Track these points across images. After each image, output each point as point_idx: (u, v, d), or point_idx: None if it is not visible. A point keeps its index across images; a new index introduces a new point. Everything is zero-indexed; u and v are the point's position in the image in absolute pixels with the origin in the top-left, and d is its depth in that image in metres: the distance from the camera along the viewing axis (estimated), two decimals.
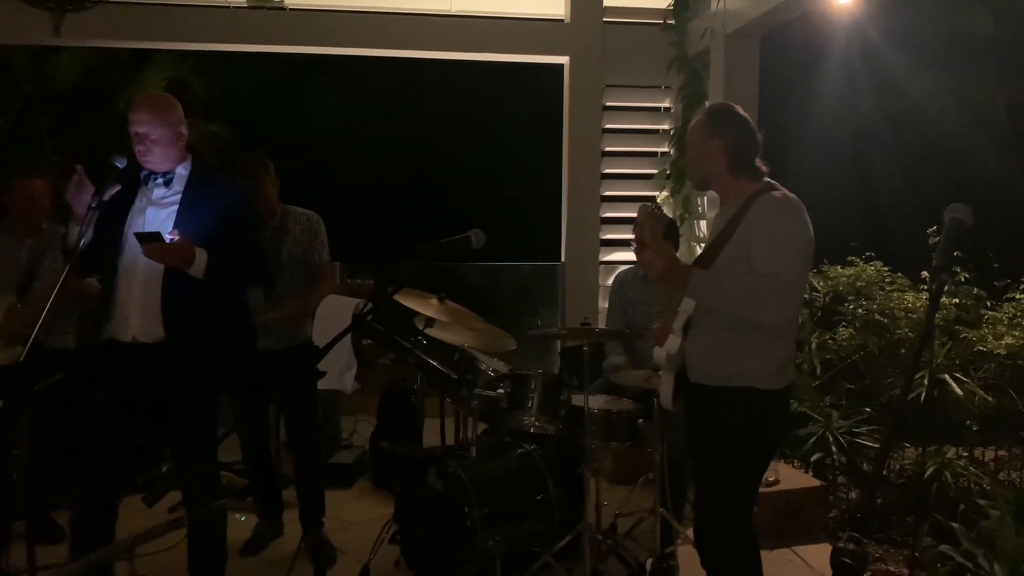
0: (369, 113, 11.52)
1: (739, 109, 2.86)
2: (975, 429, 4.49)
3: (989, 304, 4.94)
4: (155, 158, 3.07)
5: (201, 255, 2.97)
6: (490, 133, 11.45)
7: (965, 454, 4.46)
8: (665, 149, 6.22)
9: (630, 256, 5.74)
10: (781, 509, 4.28)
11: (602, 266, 6.14)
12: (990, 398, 4.50)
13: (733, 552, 2.83)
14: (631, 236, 5.16)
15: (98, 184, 2.99)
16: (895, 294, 5.07)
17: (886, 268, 5.32)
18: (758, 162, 2.81)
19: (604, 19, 6.02)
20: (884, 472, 4.35)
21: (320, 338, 3.85)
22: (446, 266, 5.55)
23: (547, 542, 3.64)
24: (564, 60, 6.08)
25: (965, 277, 4.99)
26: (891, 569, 3.99)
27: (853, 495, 4.62)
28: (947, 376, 4.47)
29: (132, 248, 2.97)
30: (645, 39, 6.08)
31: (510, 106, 11.21)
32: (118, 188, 3.03)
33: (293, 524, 4.14)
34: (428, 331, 4.02)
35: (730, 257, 2.70)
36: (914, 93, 8.18)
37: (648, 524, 3.92)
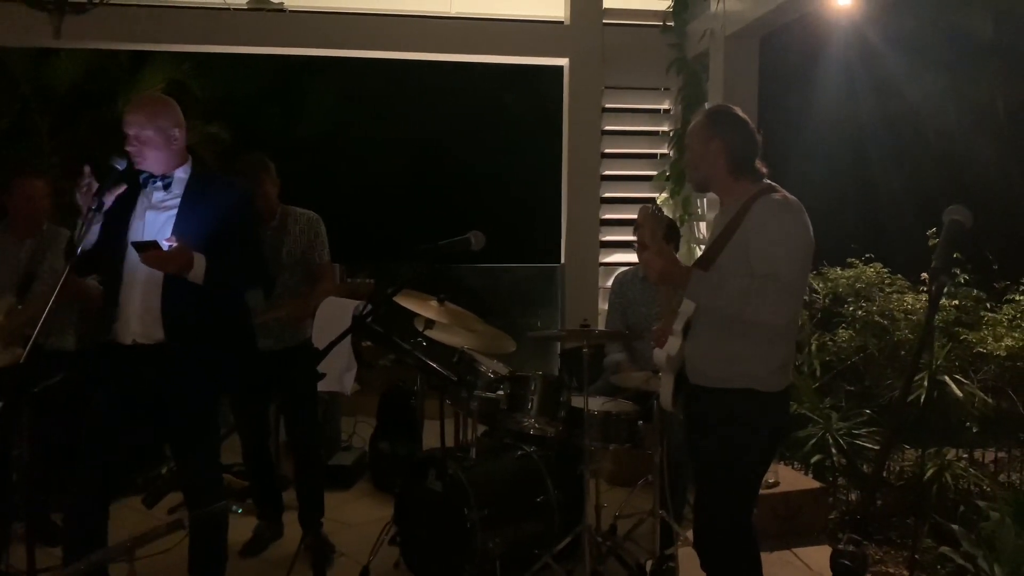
0: (368, 114, 11.53)
1: (738, 111, 2.86)
2: (975, 431, 4.50)
3: (989, 306, 4.95)
4: (146, 159, 3.06)
5: (200, 260, 2.97)
6: (490, 135, 11.46)
7: (965, 456, 4.47)
8: (665, 151, 6.21)
9: (630, 258, 5.74)
10: (781, 511, 4.28)
11: (602, 268, 6.13)
12: (990, 399, 4.51)
13: (733, 554, 2.83)
14: (631, 238, 5.16)
15: (98, 185, 2.99)
16: (895, 296, 5.08)
17: (886, 270, 5.32)
18: (758, 163, 2.81)
19: (604, 21, 6.00)
20: (884, 474, 4.35)
21: (319, 340, 3.85)
22: (446, 268, 5.56)
23: (547, 544, 3.63)
24: (564, 62, 6.07)
25: (964, 279, 5.00)
26: (891, 571, 3.98)
27: (853, 497, 4.62)
28: (947, 378, 4.48)
29: (133, 253, 2.97)
30: (645, 41, 6.07)
31: (510, 108, 11.23)
32: (123, 189, 3.02)
33: (293, 525, 4.13)
34: (428, 333, 4.02)
35: (730, 258, 2.70)
36: (913, 95, 8.20)
37: (648, 526, 3.92)
